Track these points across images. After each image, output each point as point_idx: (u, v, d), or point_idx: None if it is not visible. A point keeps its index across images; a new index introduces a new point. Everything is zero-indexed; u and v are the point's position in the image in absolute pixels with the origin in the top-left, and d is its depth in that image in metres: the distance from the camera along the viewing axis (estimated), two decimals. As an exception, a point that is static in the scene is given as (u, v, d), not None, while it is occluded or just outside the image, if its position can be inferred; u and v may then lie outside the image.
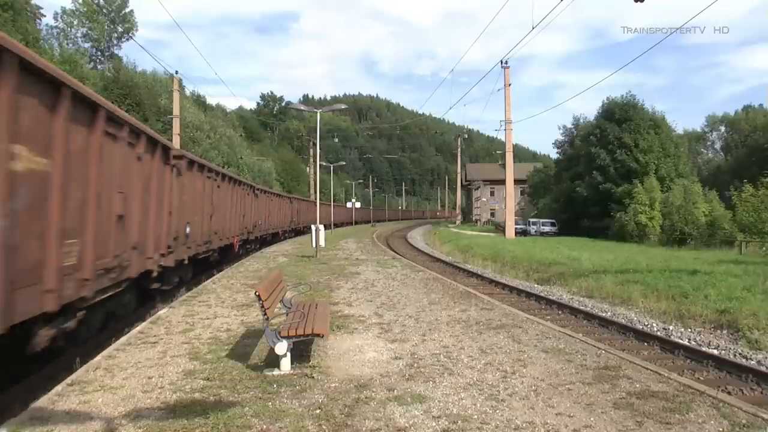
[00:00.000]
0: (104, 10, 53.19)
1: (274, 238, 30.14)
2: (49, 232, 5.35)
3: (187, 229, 11.79)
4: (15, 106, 4.61)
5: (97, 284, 6.65)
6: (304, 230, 38.43)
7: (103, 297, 7.08)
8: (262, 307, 5.59)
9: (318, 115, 21.18)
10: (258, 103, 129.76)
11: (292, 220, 36.48)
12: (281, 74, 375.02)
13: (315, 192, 37.56)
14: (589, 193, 40.54)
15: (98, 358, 6.23)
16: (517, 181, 46.49)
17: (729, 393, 6.56)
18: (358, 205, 67.03)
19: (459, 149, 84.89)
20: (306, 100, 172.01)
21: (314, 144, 44.20)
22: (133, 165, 8.11)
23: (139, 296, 9.42)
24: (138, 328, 7.89)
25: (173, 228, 10.58)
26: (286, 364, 5.66)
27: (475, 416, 4.44)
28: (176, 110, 31.92)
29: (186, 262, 11.67)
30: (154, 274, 9.32)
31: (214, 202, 14.97)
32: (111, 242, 7.19)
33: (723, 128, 68.30)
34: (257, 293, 5.59)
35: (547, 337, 7.37)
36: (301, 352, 6.26)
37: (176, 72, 32.19)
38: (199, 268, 14.09)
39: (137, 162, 8.29)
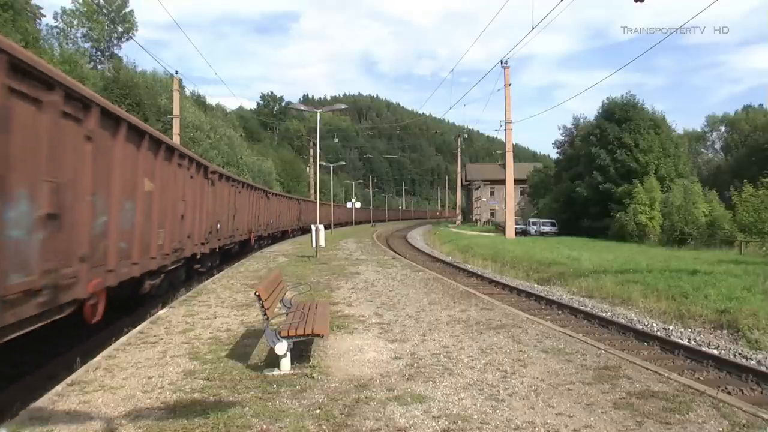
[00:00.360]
0: (104, 10, 53.21)
1: (284, 235, 33.69)
2: (153, 225, 9.11)
3: (218, 226, 15.46)
4: (147, 158, 8.77)
5: (172, 258, 10.44)
6: (310, 229, 40.17)
7: (172, 267, 10.72)
8: (262, 307, 5.59)
9: (318, 115, 21.18)
10: (258, 103, 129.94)
11: (299, 219, 39.38)
12: (281, 74, 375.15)
13: (315, 192, 37.57)
14: (589, 193, 40.54)
15: (98, 358, 6.24)
16: (517, 181, 46.50)
17: (729, 393, 6.56)
18: (358, 205, 67.02)
19: (459, 149, 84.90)
20: (306, 100, 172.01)
21: (314, 144, 44.20)
22: (188, 181, 11.68)
23: (186, 272, 12.72)
24: (138, 328, 7.89)
25: (209, 225, 14.20)
26: (286, 364, 5.66)
27: (475, 416, 4.44)
28: (176, 110, 31.93)
29: (216, 250, 15.58)
30: (198, 256, 13.01)
31: (237, 206, 18.65)
32: (177, 233, 10.84)
33: (723, 128, 68.34)
34: (257, 293, 5.59)
35: (547, 337, 7.37)
36: (301, 352, 6.26)
37: (176, 72, 32.24)
38: (224, 257, 17.62)
39: (190, 179, 11.98)
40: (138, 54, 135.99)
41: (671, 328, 10.62)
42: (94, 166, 6.49)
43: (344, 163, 77.75)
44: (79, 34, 51.31)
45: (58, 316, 5.79)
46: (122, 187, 7.56)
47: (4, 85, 4.58)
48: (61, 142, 5.63)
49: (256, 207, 23.04)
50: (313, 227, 21.71)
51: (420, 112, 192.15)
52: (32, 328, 5.24)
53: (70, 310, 6.03)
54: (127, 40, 53.93)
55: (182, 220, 11.19)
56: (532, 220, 49.94)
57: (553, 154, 68.44)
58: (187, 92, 52.43)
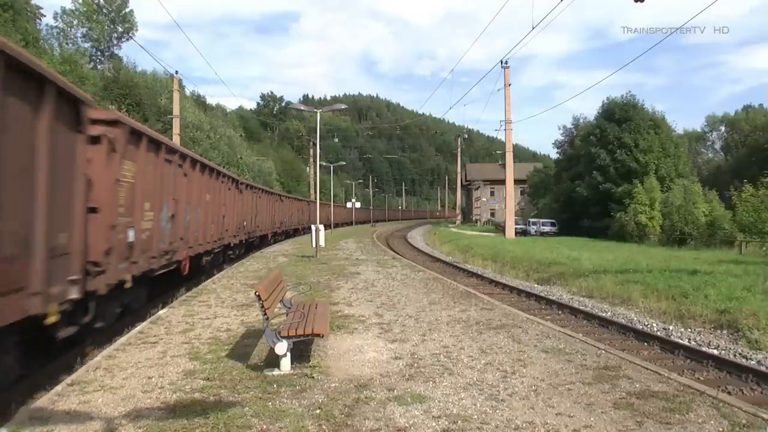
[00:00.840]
0: (104, 10, 53.18)
1: (295, 233, 38.30)
2: (208, 222, 14.04)
3: (244, 223, 20.44)
4: (207, 180, 13.97)
5: (217, 244, 15.40)
6: (327, 226, 43.06)
7: (217, 251, 15.71)
8: (262, 307, 5.59)
9: (318, 115, 21.19)
10: (258, 103, 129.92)
11: (309, 218, 42.47)
12: (281, 74, 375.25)
13: (315, 192, 37.63)
14: (589, 193, 40.53)
15: (98, 358, 6.24)
16: (517, 181, 46.48)
17: (729, 393, 6.55)
18: (358, 205, 67.01)
19: (459, 149, 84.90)
20: (306, 100, 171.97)
21: (314, 144, 44.22)
22: (226, 192, 16.81)
23: (222, 256, 17.27)
24: (138, 328, 7.89)
25: (239, 223, 19.24)
26: (286, 364, 5.66)
27: (475, 416, 4.44)
28: (176, 110, 31.92)
29: (243, 242, 20.54)
30: (231, 245, 18.11)
31: (258, 208, 23.86)
32: (220, 228, 15.77)
33: (723, 128, 68.31)
34: (257, 293, 5.59)
35: (547, 337, 7.37)
36: (301, 352, 6.26)
37: (176, 72, 32.21)
38: (248, 248, 22.47)
39: (228, 190, 17.07)
40: (138, 54, 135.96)
41: (671, 328, 10.62)
42: (186, 188, 11.76)
43: (344, 163, 77.73)
44: (79, 34, 51.26)
45: (171, 268, 10.72)
46: (197, 199, 12.83)
47: (173, 162, 10.74)
48: (175, 177, 10.88)
49: (272, 209, 28.57)
50: (313, 227, 21.74)
51: (420, 112, 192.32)
52: (163, 271, 10.17)
53: (175, 265, 10.98)
54: (127, 40, 53.90)
55: (223, 219, 16.31)
56: (532, 220, 49.91)
57: (553, 154, 68.51)
58: (187, 92, 52.44)
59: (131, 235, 8.21)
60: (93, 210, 6.88)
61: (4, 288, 4.56)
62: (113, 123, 7.51)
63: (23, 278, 4.93)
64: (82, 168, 6.38)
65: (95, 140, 6.96)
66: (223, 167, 32.08)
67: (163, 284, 10.97)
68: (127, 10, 54.38)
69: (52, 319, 5.44)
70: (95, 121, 6.94)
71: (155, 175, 9.52)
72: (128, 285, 7.98)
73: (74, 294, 6.06)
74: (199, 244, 12.92)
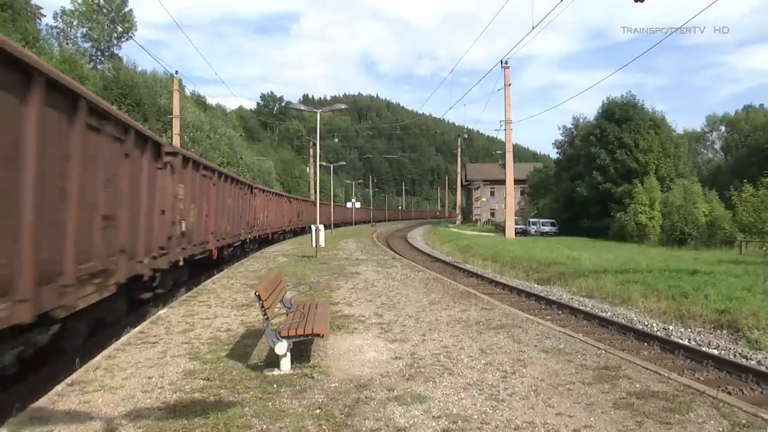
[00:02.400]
0: (104, 10, 53.19)
1: (302, 231, 39.73)
2: (230, 221, 17.24)
3: (257, 222, 23.46)
4: (231, 188, 17.52)
5: (235, 240, 18.35)
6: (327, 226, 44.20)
7: (236, 245, 18.92)
8: (262, 307, 5.59)
9: (318, 115, 21.18)
10: (258, 103, 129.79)
11: (312, 219, 45.95)
12: (281, 74, 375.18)
13: (315, 192, 37.69)
14: (589, 193, 40.52)
15: (98, 358, 6.24)
16: (517, 181, 46.47)
17: (729, 393, 6.56)
18: (358, 205, 67.00)
19: (459, 149, 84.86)
20: (306, 100, 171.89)
21: (314, 144, 44.24)
22: (243, 196, 19.86)
23: (240, 250, 20.29)
24: (138, 328, 7.89)
25: (253, 221, 22.17)
26: (286, 364, 5.66)
27: (475, 416, 4.44)
28: (176, 110, 31.93)
29: (256, 238, 23.57)
30: (247, 241, 21.17)
31: (268, 209, 26.87)
32: (237, 226, 18.65)
33: (723, 128, 68.30)
34: (257, 293, 5.59)
35: (547, 337, 7.37)
36: (301, 352, 6.26)
37: (176, 72, 32.23)
38: (261, 243, 25.59)
39: (244, 195, 20.09)
40: (138, 54, 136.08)
41: (671, 328, 10.62)
42: (215, 195, 14.85)
43: (344, 163, 77.67)
44: (79, 34, 51.31)
45: (204, 256, 13.80)
46: (222, 203, 15.75)
47: (206, 176, 14.10)
48: (208, 188, 14.22)
49: (281, 209, 31.73)
50: (313, 227, 21.73)
51: (420, 112, 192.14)
52: (201, 257, 13.40)
53: (207, 254, 14.07)
54: (127, 39, 53.96)
55: (240, 219, 19.21)
56: (532, 220, 49.90)
57: (553, 154, 68.50)
58: (187, 92, 52.44)
59: (183, 228, 11.36)
60: (162, 212, 9.84)
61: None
62: (174, 154, 10.61)
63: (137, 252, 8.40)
64: (159, 186, 9.75)
65: (164, 166, 9.97)
66: (223, 167, 32.51)
67: (198, 268, 14.12)
68: (126, 9, 54.43)
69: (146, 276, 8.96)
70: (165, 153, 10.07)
71: (195, 186, 12.71)
72: (180, 263, 11.35)
73: (157, 265, 9.49)
74: (223, 238, 16.19)
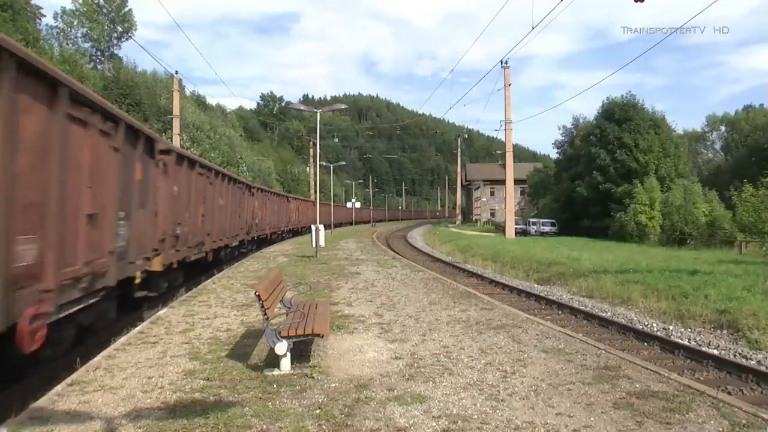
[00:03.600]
0: (104, 10, 53.18)
1: (302, 231, 40.18)
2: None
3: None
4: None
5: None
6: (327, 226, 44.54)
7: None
8: (262, 307, 5.59)
9: (318, 115, 21.17)
10: (258, 103, 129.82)
11: (312, 218, 46.75)
12: (281, 74, 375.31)
13: (315, 192, 37.72)
14: (589, 193, 40.52)
15: (98, 358, 6.23)
16: (517, 181, 46.48)
17: (729, 393, 6.56)
18: (358, 205, 67.00)
19: (459, 149, 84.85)
20: (306, 100, 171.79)
21: (314, 144, 44.25)
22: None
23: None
24: (138, 328, 7.89)
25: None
26: (286, 364, 5.66)
27: (475, 416, 4.43)
28: (176, 110, 31.93)
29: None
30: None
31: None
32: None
33: (723, 128, 68.25)
34: (257, 293, 5.59)
35: (547, 337, 7.37)
36: (301, 352, 6.26)
37: (176, 72, 32.23)
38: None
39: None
40: (138, 54, 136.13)
41: (671, 328, 10.62)
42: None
43: (344, 163, 77.72)
44: (79, 34, 51.27)
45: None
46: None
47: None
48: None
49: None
50: (313, 227, 21.72)
51: (420, 112, 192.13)
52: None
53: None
54: (127, 39, 53.93)
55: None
56: (532, 220, 49.90)
57: (553, 154, 68.48)
58: (187, 92, 52.42)
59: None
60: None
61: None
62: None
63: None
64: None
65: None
66: (223, 167, 32.55)
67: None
68: (126, 9, 54.42)
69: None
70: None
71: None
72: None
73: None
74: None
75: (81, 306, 6.34)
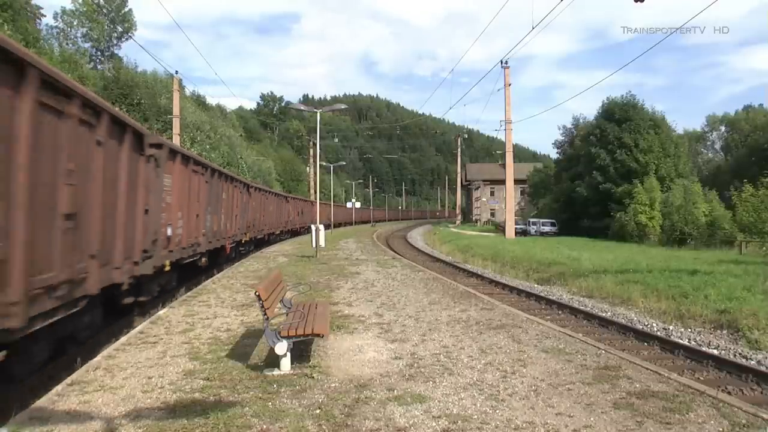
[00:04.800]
0: (104, 10, 53.15)
1: (301, 231, 39.95)
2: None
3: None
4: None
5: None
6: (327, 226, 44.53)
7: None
8: (262, 307, 5.59)
9: (318, 115, 21.17)
10: (258, 103, 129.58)
11: (311, 218, 46.62)
12: (281, 74, 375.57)
13: (315, 192, 37.75)
14: (589, 193, 40.52)
15: (98, 358, 6.23)
16: (517, 181, 46.48)
17: (729, 393, 6.56)
18: (358, 205, 66.99)
19: (459, 149, 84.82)
20: (306, 100, 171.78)
21: (314, 144, 44.26)
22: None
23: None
24: (138, 328, 7.89)
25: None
26: (286, 364, 5.66)
27: (475, 416, 4.43)
28: (176, 110, 31.93)
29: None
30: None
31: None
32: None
33: (723, 128, 68.24)
34: (257, 293, 5.59)
35: (547, 337, 7.37)
36: (301, 352, 6.26)
37: (176, 72, 32.21)
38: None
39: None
40: (138, 54, 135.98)
41: (671, 328, 10.62)
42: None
43: (344, 163, 77.69)
44: (79, 34, 51.18)
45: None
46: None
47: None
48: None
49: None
50: (313, 227, 21.72)
51: (420, 112, 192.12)
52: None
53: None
54: (127, 40, 53.90)
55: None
56: (532, 220, 49.89)
57: (553, 154, 68.55)
58: (187, 92, 52.40)
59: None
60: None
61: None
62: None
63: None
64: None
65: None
66: (223, 167, 32.55)
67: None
68: (126, 9, 54.40)
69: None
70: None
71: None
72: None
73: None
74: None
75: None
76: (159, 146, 9.26)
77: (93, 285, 6.46)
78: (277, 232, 30.90)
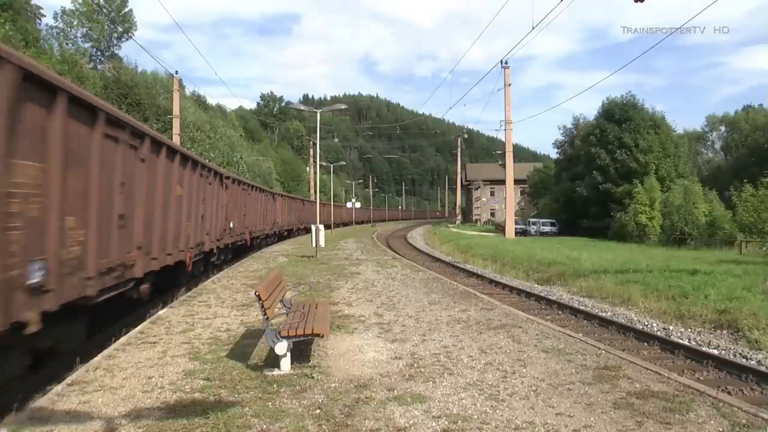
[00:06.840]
0: (104, 10, 53.14)
1: (293, 233, 39.14)
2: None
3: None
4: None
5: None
6: (327, 226, 44.97)
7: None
8: (262, 307, 5.59)
9: (318, 115, 21.17)
10: (258, 103, 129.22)
11: (309, 219, 46.54)
12: (282, 75, 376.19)
13: (315, 192, 37.76)
14: (589, 193, 40.53)
15: (98, 358, 6.24)
16: (517, 181, 46.44)
17: (729, 393, 6.56)
18: (358, 205, 67.00)
19: (459, 149, 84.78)
20: (306, 100, 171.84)
21: (314, 144, 44.28)
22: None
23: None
24: (138, 328, 7.89)
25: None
26: (286, 364, 5.66)
27: (475, 416, 4.44)
28: (176, 110, 31.92)
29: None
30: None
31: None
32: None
33: (723, 128, 68.16)
34: (257, 293, 5.59)
35: (547, 337, 7.37)
36: (301, 352, 6.26)
37: (176, 72, 32.18)
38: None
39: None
40: (138, 54, 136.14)
41: (671, 328, 10.61)
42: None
43: (344, 163, 77.74)
44: (79, 34, 51.19)
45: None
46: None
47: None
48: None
49: (296, 210, 35.33)
50: (313, 227, 21.72)
51: (420, 112, 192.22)
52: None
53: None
54: (127, 40, 53.89)
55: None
56: (532, 220, 49.91)
57: (553, 154, 68.44)
58: (188, 92, 52.42)
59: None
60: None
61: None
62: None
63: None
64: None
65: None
66: (223, 167, 32.51)
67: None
68: (126, 9, 54.38)
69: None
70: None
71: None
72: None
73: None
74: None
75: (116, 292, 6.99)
76: (244, 184, 15.18)
77: (138, 270, 7.90)
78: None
